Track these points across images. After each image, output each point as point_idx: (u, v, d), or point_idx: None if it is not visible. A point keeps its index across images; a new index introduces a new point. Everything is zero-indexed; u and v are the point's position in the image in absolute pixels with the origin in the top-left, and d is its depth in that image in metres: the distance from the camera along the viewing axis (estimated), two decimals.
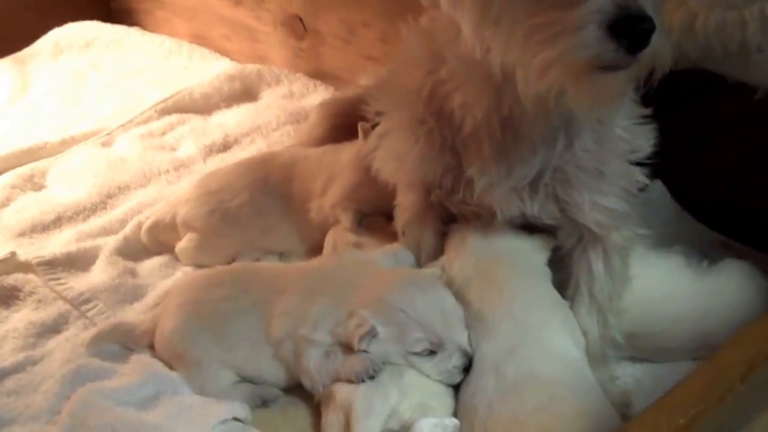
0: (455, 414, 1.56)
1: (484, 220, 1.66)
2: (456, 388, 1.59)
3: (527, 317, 1.57)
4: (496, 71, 1.37)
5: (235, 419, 1.61)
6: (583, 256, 1.65)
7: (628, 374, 1.73)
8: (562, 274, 1.69)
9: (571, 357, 1.56)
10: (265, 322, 1.64)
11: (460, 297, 1.62)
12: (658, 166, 1.62)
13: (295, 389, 1.67)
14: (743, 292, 1.73)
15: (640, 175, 1.60)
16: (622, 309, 1.67)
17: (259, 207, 2.01)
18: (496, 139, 1.50)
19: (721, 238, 1.99)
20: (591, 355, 1.62)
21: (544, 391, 1.46)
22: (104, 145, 2.58)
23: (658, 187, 2.01)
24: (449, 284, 1.64)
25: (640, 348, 1.74)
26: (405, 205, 1.76)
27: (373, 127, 1.82)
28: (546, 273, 1.68)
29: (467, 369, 1.56)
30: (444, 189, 1.63)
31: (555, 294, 1.65)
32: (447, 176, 1.61)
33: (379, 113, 1.72)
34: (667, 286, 1.73)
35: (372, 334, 1.54)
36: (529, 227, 1.68)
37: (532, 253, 1.69)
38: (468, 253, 1.67)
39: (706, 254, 1.84)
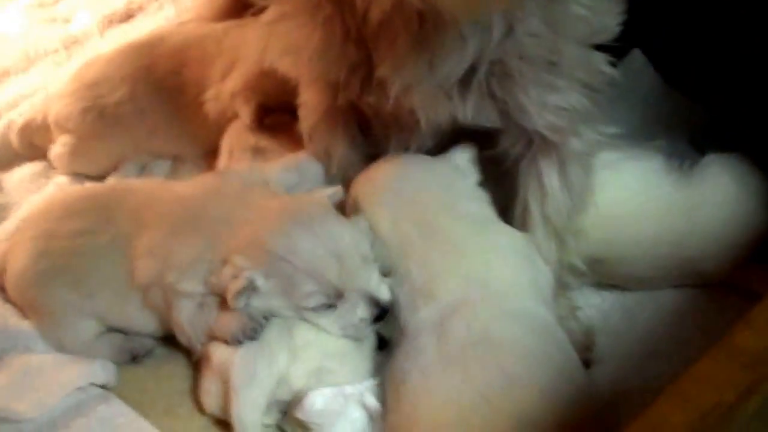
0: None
1: (405, 127, 1.34)
2: (382, 345, 1.31)
3: (486, 277, 1.24)
4: None
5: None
6: (532, 167, 1.33)
7: (592, 305, 1.45)
8: (507, 190, 1.37)
9: (536, 316, 1.23)
10: (128, 262, 1.32)
11: (395, 269, 1.29)
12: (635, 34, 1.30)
13: (175, 339, 1.36)
14: (734, 200, 1.42)
15: (604, 64, 1.26)
16: (582, 229, 1.37)
17: (142, 103, 1.70)
18: (413, 28, 1.17)
19: (713, 119, 1.66)
20: None
21: (499, 364, 1.13)
22: None
23: (637, 58, 1.70)
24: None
25: (607, 275, 1.45)
26: (309, 105, 1.44)
27: None
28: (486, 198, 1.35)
29: (380, 318, 1.26)
30: (353, 90, 1.30)
31: (517, 240, 1.32)
32: (354, 75, 1.28)
33: None
34: (640, 200, 1.42)
35: (250, 288, 1.23)
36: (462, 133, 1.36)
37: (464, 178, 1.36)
38: (388, 208, 1.32)
39: (696, 143, 1.58)
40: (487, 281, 1.22)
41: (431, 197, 1.31)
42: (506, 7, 1.12)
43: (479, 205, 1.33)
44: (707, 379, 0.85)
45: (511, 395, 1.10)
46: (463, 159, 1.35)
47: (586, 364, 1.31)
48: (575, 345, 1.27)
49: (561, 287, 1.38)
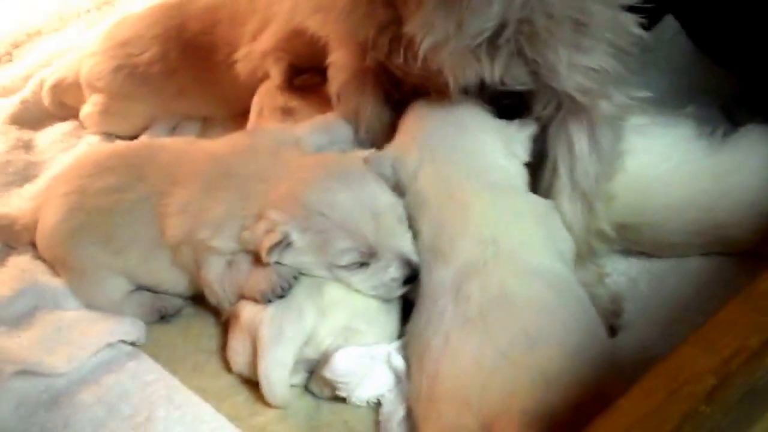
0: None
1: (434, 90, 1.33)
2: (406, 309, 1.29)
3: (496, 231, 1.23)
4: None
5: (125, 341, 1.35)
6: (562, 130, 1.32)
7: (620, 272, 1.44)
8: (538, 152, 1.36)
9: (555, 273, 1.22)
10: (158, 220, 1.32)
11: (416, 217, 1.29)
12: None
13: (204, 298, 1.36)
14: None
15: (633, 25, 1.24)
16: (611, 194, 1.36)
17: (172, 62, 1.70)
18: None
19: (746, 88, 1.62)
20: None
21: (518, 322, 1.13)
22: None
23: (670, 24, 1.67)
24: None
25: (636, 241, 1.43)
26: (338, 65, 1.43)
27: None
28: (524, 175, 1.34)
29: (411, 280, 1.25)
30: (381, 50, 1.29)
31: (536, 201, 1.31)
32: (383, 35, 1.28)
33: None
34: (670, 164, 1.39)
35: (285, 243, 1.23)
36: (495, 97, 1.33)
37: (511, 151, 1.34)
38: (429, 160, 1.31)
39: (728, 112, 1.56)
40: (498, 240, 1.21)
41: (467, 160, 1.30)
42: None
43: (510, 178, 1.32)
44: (732, 325, 0.84)
45: (532, 353, 1.09)
46: (520, 133, 1.33)
47: (614, 330, 1.31)
48: (603, 311, 1.27)
49: (589, 253, 1.37)
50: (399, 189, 1.30)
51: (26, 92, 1.84)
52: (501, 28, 1.18)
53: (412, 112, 1.37)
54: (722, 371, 0.79)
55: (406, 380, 1.21)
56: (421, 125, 1.35)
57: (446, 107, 1.35)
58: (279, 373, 1.22)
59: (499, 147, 1.32)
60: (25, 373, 1.28)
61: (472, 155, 1.31)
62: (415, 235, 1.27)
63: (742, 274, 1.36)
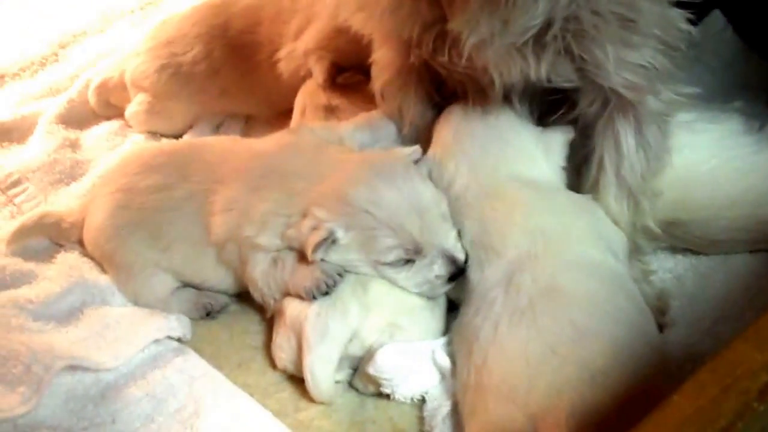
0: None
1: (478, 88, 1.32)
2: (451, 308, 1.29)
3: (546, 227, 1.23)
4: None
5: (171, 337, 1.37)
6: (608, 126, 1.31)
7: (666, 269, 1.43)
8: (583, 149, 1.35)
9: (606, 266, 1.22)
10: (204, 217, 1.32)
11: (457, 220, 1.29)
12: None
13: (249, 295, 1.37)
14: None
15: (682, 21, 1.23)
16: (657, 191, 1.34)
17: (216, 61, 1.70)
18: None
19: None
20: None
21: (567, 315, 1.12)
22: None
23: (717, 19, 1.64)
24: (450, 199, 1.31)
25: (682, 238, 1.41)
26: (382, 63, 1.43)
27: None
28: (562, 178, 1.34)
29: (455, 277, 1.25)
30: (425, 48, 1.28)
31: (578, 197, 1.31)
32: (427, 33, 1.27)
33: None
34: (718, 160, 1.38)
35: (330, 240, 1.23)
36: (539, 94, 1.34)
37: (547, 157, 1.34)
38: (465, 167, 1.32)
39: None
40: (546, 231, 1.21)
41: (505, 164, 1.31)
42: None
43: (550, 179, 1.32)
44: None
45: (580, 346, 1.09)
46: (557, 140, 1.33)
47: (660, 327, 1.29)
48: (650, 309, 1.26)
49: (635, 251, 1.36)
50: None
51: (72, 92, 1.86)
52: (547, 25, 1.18)
53: (447, 119, 1.38)
54: None
55: (451, 377, 1.22)
56: (456, 133, 1.35)
57: (481, 114, 1.35)
58: (324, 370, 1.22)
59: (537, 152, 1.32)
60: (73, 368, 1.29)
61: (511, 160, 1.31)
62: (460, 235, 1.27)
63: None
